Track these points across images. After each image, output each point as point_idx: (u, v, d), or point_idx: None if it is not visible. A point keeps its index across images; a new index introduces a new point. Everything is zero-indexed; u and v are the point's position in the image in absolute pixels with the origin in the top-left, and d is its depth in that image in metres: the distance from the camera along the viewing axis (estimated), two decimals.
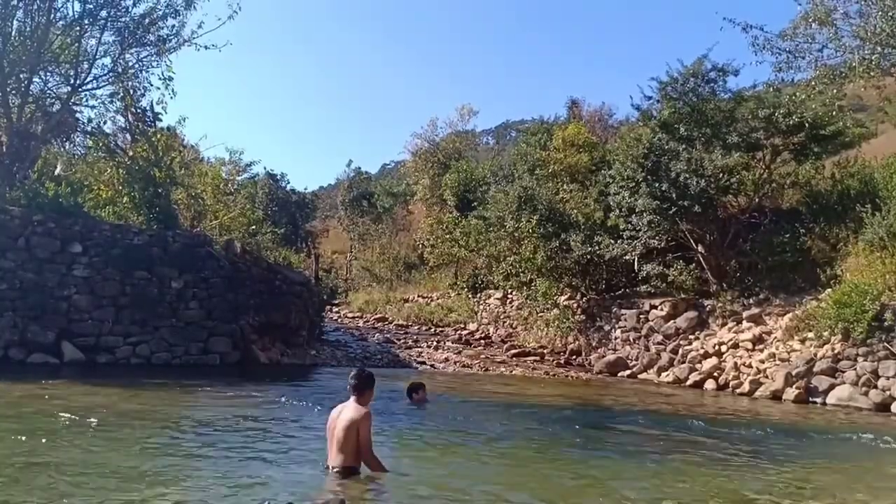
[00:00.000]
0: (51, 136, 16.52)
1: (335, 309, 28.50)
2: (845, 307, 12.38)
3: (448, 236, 26.45)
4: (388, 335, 22.24)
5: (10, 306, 12.80)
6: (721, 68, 16.31)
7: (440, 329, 24.85)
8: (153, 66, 16.44)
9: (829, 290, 13.35)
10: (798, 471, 6.91)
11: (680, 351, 15.70)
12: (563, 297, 19.48)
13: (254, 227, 23.18)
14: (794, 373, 12.84)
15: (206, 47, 16.15)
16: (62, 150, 18.02)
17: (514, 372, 16.58)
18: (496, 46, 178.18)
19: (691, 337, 15.78)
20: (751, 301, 15.13)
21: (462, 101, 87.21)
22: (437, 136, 36.74)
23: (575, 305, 19.26)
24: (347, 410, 5.81)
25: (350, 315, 29.39)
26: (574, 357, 18.84)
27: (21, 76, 15.19)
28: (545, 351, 19.82)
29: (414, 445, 7.90)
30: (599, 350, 18.09)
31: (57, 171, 16.13)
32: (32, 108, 15.74)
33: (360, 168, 47.45)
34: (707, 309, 15.87)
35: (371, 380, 6.02)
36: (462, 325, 25.12)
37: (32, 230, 13.26)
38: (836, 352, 12.65)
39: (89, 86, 16.16)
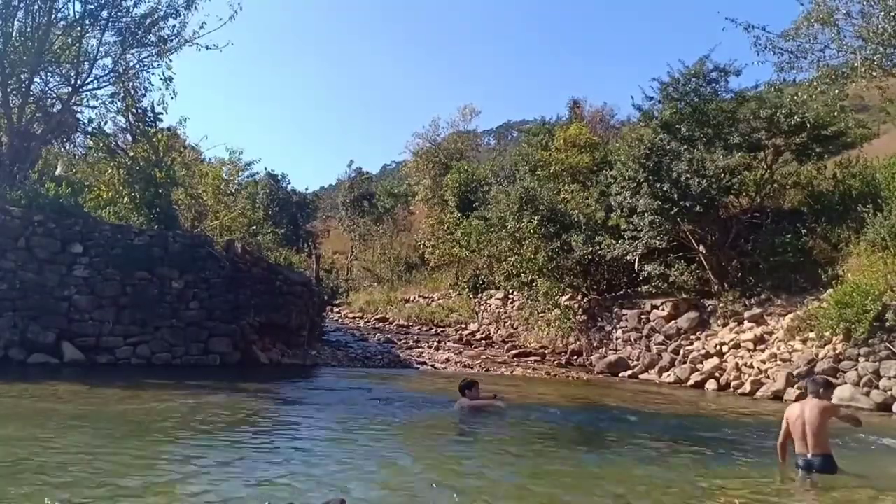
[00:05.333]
0: (51, 136, 16.52)
1: (336, 309, 28.49)
2: (847, 307, 12.34)
3: (449, 237, 26.46)
4: (389, 335, 22.21)
5: (11, 306, 12.78)
6: (723, 68, 16.29)
7: (441, 329, 24.85)
8: (154, 67, 16.46)
9: (831, 290, 13.30)
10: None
11: (681, 351, 15.67)
12: (564, 298, 19.46)
13: (254, 227, 23.22)
14: (795, 373, 12.80)
15: (207, 47, 16.18)
16: (63, 150, 18.02)
17: (514, 372, 16.55)
18: (498, 46, 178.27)
19: (692, 337, 15.74)
20: (752, 301, 15.09)
21: (464, 101, 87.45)
22: (438, 136, 36.80)
23: (576, 306, 19.24)
24: (814, 405, 6.83)
25: (351, 315, 29.38)
26: (575, 357, 18.82)
27: (22, 76, 15.17)
28: (546, 351, 19.81)
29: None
30: (600, 350, 18.06)
31: (57, 172, 16.12)
32: (33, 109, 15.73)
33: (361, 168, 47.57)
34: (708, 309, 15.84)
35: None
36: (463, 326, 25.10)
37: (33, 230, 13.24)
38: (837, 352, 12.61)
39: (90, 86, 16.18)
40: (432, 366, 16.97)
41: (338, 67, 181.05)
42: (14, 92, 15.27)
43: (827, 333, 12.81)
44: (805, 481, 6.68)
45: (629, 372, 16.52)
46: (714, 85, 16.41)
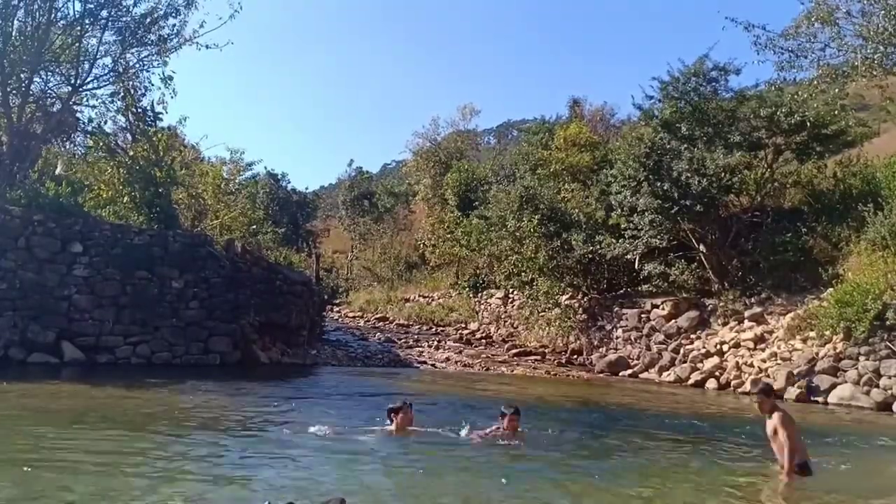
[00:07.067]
0: (51, 135, 16.51)
1: (336, 309, 28.49)
2: (847, 306, 12.34)
3: (449, 236, 26.46)
4: (389, 335, 22.21)
5: (11, 306, 12.78)
6: (723, 67, 16.30)
7: (441, 329, 24.84)
8: (154, 66, 16.45)
9: (831, 289, 13.30)
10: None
11: (681, 350, 15.66)
12: (564, 297, 19.44)
13: (254, 226, 23.19)
14: (795, 372, 12.80)
15: (207, 46, 16.16)
16: (63, 149, 18.01)
17: (514, 371, 16.54)
18: (498, 46, 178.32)
19: (693, 336, 15.73)
20: (752, 300, 15.08)
21: (464, 101, 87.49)
22: (438, 136, 36.80)
23: (576, 305, 19.22)
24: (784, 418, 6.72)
25: (351, 315, 29.37)
26: (575, 356, 18.81)
27: (22, 76, 15.16)
28: (546, 350, 19.79)
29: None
30: (601, 349, 18.05)
31: (57, 171, 16.12)
32: (33, 108, 15.72)
33: (361, 168, 47.57)
34: (709, 308, 15.83)
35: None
36: (463, 325, 25.09)
37: (33, 230, 13.23)
38: (837, 351, 12.61)
39: (90, 85, 16.16)
40: (432, 365, 16.97)
41: (338, 66, 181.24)
42: (14, 91, 15.25)
43: (827, 332, 12.81)
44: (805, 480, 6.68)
45: (629, 371, 16.52)
46: (714, 84, 16.42)
